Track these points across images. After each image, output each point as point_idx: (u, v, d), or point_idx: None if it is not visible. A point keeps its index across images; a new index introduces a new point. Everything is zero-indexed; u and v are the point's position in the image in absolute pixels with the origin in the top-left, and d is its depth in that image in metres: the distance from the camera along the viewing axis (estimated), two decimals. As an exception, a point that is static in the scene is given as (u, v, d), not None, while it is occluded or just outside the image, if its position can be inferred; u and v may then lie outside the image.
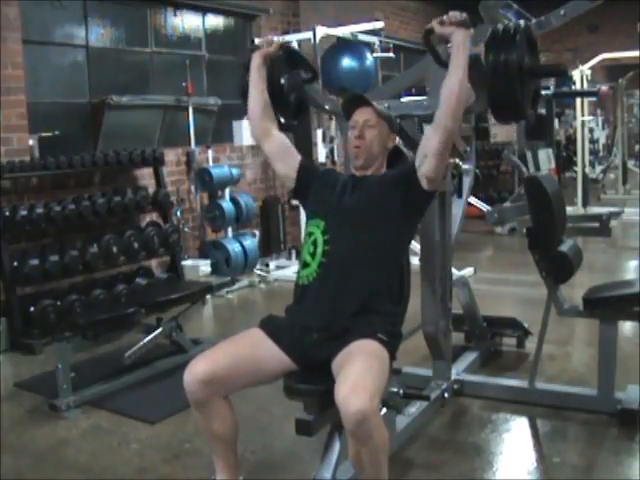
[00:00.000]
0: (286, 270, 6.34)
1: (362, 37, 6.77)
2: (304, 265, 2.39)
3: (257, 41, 2.71)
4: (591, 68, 8.90)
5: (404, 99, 4.96)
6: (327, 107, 3.13)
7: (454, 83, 2.29)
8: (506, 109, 2.69)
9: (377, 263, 2.34)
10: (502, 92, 2.60)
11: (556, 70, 3.14)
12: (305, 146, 6.41)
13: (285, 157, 2.59)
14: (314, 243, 2.38)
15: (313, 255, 2.36)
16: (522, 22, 2.71)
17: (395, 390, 2.43)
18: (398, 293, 2.41)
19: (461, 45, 2.30)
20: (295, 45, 6.51)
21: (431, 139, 2.34)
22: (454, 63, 2.31)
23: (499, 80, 2.58)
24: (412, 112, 3.01)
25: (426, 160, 2.34)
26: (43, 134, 5.09)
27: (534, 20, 2.93)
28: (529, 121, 2.88)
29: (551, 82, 8.54)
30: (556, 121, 9.76)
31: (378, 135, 2.46)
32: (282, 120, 2.92)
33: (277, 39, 2.64)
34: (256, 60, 2.63)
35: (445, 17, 2.33)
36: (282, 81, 2.81)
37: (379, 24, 6.75)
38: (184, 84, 6.01)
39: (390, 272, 2.38)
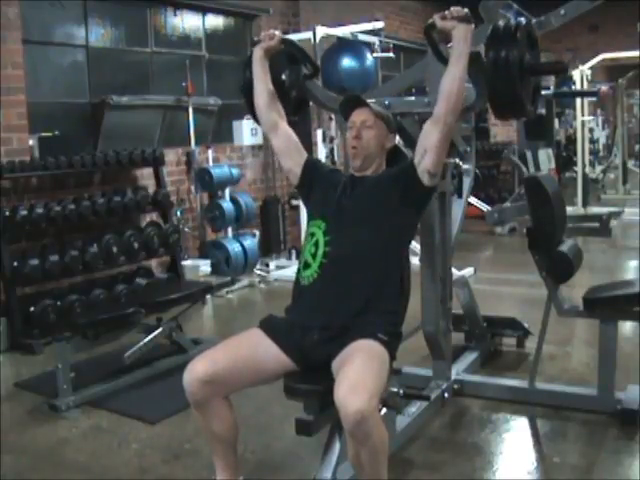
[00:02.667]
0: (286, 270, 6.33)
1: (362, 37, 6.76)
2: (305, 265, 2.39)
3: (260, 35, 2.70)
4: (591, 68, 8.90)
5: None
6: (327, 104, 3.12)
7: (454, 78, 2.30)
8: (506, 106, 2.69)
9: (377, 263, 2.34)
10: (502, 89, 2.59)
11: (556, 67, 3.13)
12: (305, 143, 6.40)
13: (292, 153, 2.60)
14: (316, 244, 2.38)
15: (314, 256, 2.37)
16: (523, 19, 2.70)
17: (395, 390, 2.43)
18: (398, 293, 2.41)
19: (462, 39, 2.31)
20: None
21: (430, 134, 2.35)
22: (454, 57, 2.31)
23: (499, 77, 2.57)
24: (412, 109, 3.00)
25: (426, 155, 2.34)
26: (43, 134, 5.08)
27: (534, 20, 2.93)
28: (529, 118, 2.88)
29: (551, 82, 8.54)
30: (556, 121, 9.75)
31: (376, 135, 2.46)
32: None
33: (278, 33, 2.63)
34: (258, 53, 2.63)
35: (447, 12, 2.33)
36: (283, 77, 2.82)
37: (379, 24, 6.73)
38: (184, 84, 6.02)
39: (390, 272, 2.38)
